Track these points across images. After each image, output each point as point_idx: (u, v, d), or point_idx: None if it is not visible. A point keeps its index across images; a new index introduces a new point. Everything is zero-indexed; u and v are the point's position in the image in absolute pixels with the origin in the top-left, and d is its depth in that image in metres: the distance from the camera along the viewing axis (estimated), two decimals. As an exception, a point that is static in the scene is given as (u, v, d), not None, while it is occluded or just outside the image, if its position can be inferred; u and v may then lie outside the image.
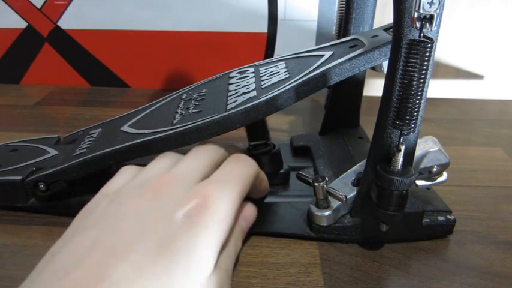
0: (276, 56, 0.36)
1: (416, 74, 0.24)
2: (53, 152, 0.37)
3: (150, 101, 0.38)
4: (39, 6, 0.62)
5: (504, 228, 0.33)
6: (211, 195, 0.23)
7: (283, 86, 0.29)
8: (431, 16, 0.23)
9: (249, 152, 0.36)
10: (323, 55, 0.31)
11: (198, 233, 0.21)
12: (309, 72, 0.29)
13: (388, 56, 0.26)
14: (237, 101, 0.30)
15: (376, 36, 0.31)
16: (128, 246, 0.20)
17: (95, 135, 0.36)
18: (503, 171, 0.42)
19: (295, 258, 0.30)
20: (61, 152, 0.37)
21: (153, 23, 0.62)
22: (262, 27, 0.61)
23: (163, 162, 0.27)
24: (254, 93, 0.30)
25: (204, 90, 0.35)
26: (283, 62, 0.34)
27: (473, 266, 0.29)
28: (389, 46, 0.27)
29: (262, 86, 0.30)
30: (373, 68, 0.32)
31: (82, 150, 0.34)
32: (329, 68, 0.29)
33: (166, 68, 0.65)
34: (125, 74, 0.66)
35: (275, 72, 0.32)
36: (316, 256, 0.30)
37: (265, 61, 0.36)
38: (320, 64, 0.30)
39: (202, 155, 0.27)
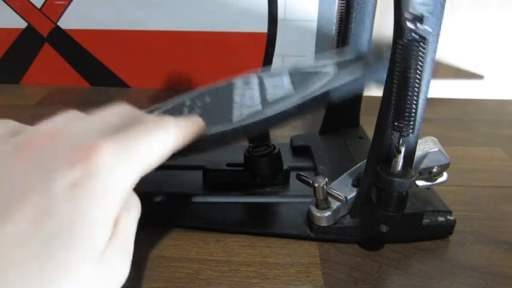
0: (278, 67, 0.36)
1: (411, 74, 0.24)
2: None
3: (150, 101, 0.38)
4: (39, 6, 0.62)
5: (504, 228, 0.33)
6: (100, 158, 0.17)
7: (289, 101, 0.29)
8: (422, 15, 0.23)
9: (249, 153, 0.36)
10: (328, 72, 0.32)
11: (82, 207, 0.17)
12: (315, 90, 0.30)
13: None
14: (241, 113, 0.30)
15: (381, 56, 0.32)
16: None
17: None
18: (503, 171, 0.42)
19: (295, 258, 0.30)
20: None
21: (153, 23, 0.62)
22: (262, 27, 0.61)
23: (60, 118, 0.21)
24: (259, 106, 0.30)
25: (208, 99, 0.35)
26: (288, 76, 0.34)
27: (473, 266, 0.29)
28: None
29: (268, 100, 0.31)
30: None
31: None
32: (335, 87, 0.29)
33: (166, 68, 0.65)
34: (124, 74, 0.66)
35: (280, 86, 0.32)
36: (316, 256, 0.30)
37: (270, 72, 0.36)
38: (326, 83, 0.30)
39: (111, 114, 0.22)
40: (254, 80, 0.35)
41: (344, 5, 0.38)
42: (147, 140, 0.20)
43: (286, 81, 0.33)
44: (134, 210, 0.20)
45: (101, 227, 0.17)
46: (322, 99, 0.29)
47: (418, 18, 0.23)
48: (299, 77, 0.33)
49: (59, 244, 0.16)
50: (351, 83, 0.29)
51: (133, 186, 0.19)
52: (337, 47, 0.40)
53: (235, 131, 0.29)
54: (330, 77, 0.31)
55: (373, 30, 0.39)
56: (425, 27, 0.23)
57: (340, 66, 0.32)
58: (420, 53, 0.23)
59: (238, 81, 0.36)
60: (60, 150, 0.18)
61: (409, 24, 0.23)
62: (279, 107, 0.29)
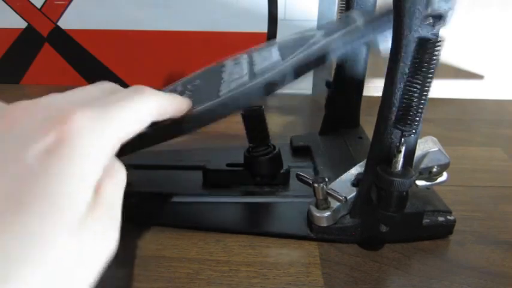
0: (270, 41, 0.36)
1: (422, 76, 0.23)
2: None
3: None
4: (39, 6, 0.62)
5: (504, 228, 0.33)
6: (74, 122, 0.17)
7: (275, 68, 0.28)
8: (442, 13, 0.22)
9: (249, 153, 0.36)
10: (314, 35, 0.31)
11: (56, 173, 0.16)
12: (300, 53, 0.29)
13: (381, 31, 0.25)
14: (229, 86, 0.29)
15: (367, 11, 0.31)
16: None
17: None
18: (503, 171, 0.42)
19: (295, 258, 0.30)
20: None
21: (153, 23, 0.62)
22: (262, 27, 0.61)
23: (41, 98, 0.21)
24: (246, 78, 0.29)
25: (197, 81, 0.35)
26: (276, 46, 0.33)
27: (473, 266, 0.29)
28: (382, 20, 0.26)
29: (255, 71, 0.30)
30: (366, 44, 0.31)
31: None
32: (320, 46, 0.28)
33: (166, 68, 0.65)
34: (124, 74, 0.66)
35: (267, 57, 0.32)
36: (316, 256, 0.30)
37: (259, 46, 0.36)
38: (311, 43, 0.29)
39: (91, 88, 0.22)
40: (243, 57, 0.35)
41: (344, 5, 0.38)
42: (126, 107, 0.20)
43: (274, 51, 0.32)
44: (118, 176, 0.20)
45: (77, 194, 0.16)
46: (306, 62, 0.28)
47: (442, 17, 0.22)
48: (286, 44, 0.32)
49: (33, 214, 0.15)
50: (335, 41, 0.28)
51: (114, 151, 0.19)
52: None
53: (220, 103, 0.28)
54: (314, 39, 0.30)
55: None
56: (447, 26, 0.22)
57: (327, 28, 0.31)
58: (436, 54, 0.23)
59: (228, 61, 0.35)
60: (37, 121, 0.17)
61: (429, 26, 0.22)
62: (264, 75, 0.28)
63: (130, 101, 0.20)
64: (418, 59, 0.24)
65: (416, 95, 0.24)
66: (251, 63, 0.32)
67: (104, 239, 0.18)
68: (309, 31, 0.32)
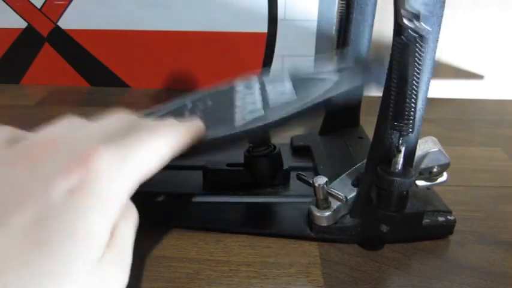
0: (279, 71, 0.37)
1: (410, 73, 0.24)
2: None
3: (150, 101, 0.38)
4: (39, 6, 0.62)
5: (504, 228, 0.33)
6: (98, 163, 0.17)
7: (292, 108, 0.29)
8: (419, 13, 0.23)
9: (249, 153, 0.36)
10: (330, 79, 0.32)
11: (79, 213, 0.16)
12: (316, 98, 0.30)
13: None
14: (244, 118, 0.30)
15: (382, 64, 0.32)
16: None
17: None
18: (503, 171, 0.42)
19: (295, 258, 0.30)
20: None
21: (153, 23, 0.62)
22: (262, 27, 0.61)
23: (58, 125, 0.21)
24: (262, 112, 0.30)
25: (209, 102, 0.35)
26: (290, 82, 0.34)
27: (473, 266, 0.29)
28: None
29: (270, 105, 0.31)
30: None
31: None
32: (337, 94, 0.29)
33: (166, 68, 0.65)
34: (124, 74, 0.66)
35: (282, 92, 0.33)
36: (316, 256, 0.30)
37: (271, 76, 0.36)
38: (327, 90, 0.30)
39: (110, 121, 0.22)
40: (256, 85, 0.35)
41: (344, 5, 0.38)
42: (145, 146, 0.20)
43: (288, 86, 0.33)
44: (131, 219, 0.20)
45: (97, 234, 0.17)
46: (323, 106, 0.30)
47: (416, 16, 0.23)
48: (300, 82, 0.33)
49: (54, 252, 0.15)
50: (351, 89, 0.30)
51: (131, 194, 0.19)
52: (337, 47, 0.40)
53: (237, 135, 0.29)
54: (331, 83, 0.31)
55: (373, 30, 0.39)
56: (423, 25, 0.23)
57: (341, 71, 0.33)
58: (418, 51, 0.23)
59: (239, 85, 0.36)
60: (58, 158, 0.17)
61: (407, 22, 0.23)
62: (281, 112, 0.29)
63: (150, 139, 0.20)
64: (407, 58, 0.24)
65: (408, 94, 0.24)
66: (264, 94, 0.33)
67: (116, 276, 0.18)
68: (321, 65, 0.34)
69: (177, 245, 0.31)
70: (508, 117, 0.56)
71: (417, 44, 0.23)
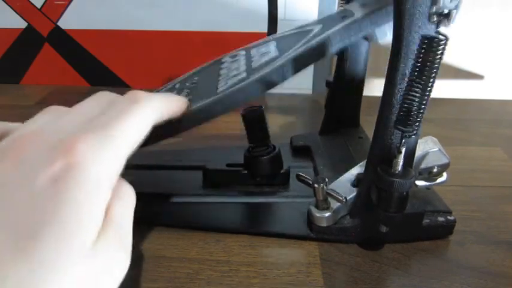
0: (268, 36, 0.35)
1: (427, 76, 0.23)
2: None
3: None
4: (39, 6, 0.62)
5: (504, 228, 0.33)
6: (80, 150, 0.17)
7: (273, 63, 0.28)
8: (449, 12, 0.22)
9: (249, 153, 0.36)
10: (312, 29, 0.30)
11: (64, 200, 0.16)
12: (298, 47, 0.28)
13: (379, 24, 0.25)
14: (227, 83, 0.29)
15: (365, 4, 0.31)
16: None
17: None
18: (503, 171, 0.42)
19: (295, 258, 0.30)
20: None
21: (153, 23, 0.62)
22: (262, 27, 0.61)
23: (41, 116, 0.21)
24: (244, 74, 0.29)
25: (196, 78, 0.34)
26: (274, 41, 0.33)
27: (473, 266, 0.29)
28: (379, 13, 0.26)
29: (252, 67, 0.30)
30: (365, 38, 0.30)
31: None
32: (318, 40, 0.28)
33: (166, 68, 0.65)
34: (124, 74, 0.66)
35: (265, 52, 0.31)
36: (316, 256, 0.30)
37: (257, 42, 0.36)
38: (309, 38, 0.29)
39: (89, 105, 0.22)
40: (240, 52, 0.34)
41: (344, 5, 0.38)
42: (124, 122, 0.20)
43: (272, 46, 0.32)
44: (127, 198, 0.20)
45: (87, 218, 0.17)
46: (305, 56, 0.28)
47: (446, 16, 0.22)
48: (284, 40, 0.32)
49: (44, 242, 0.15)
50: (333, 35, 0.28)
51: (120, 170, 0.19)
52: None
53: (218, 100, 0.28)
54: (312, 33, 0.29)
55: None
56: (452, 25, 0.22)
57: (324, 22, 0.31)
58: (439, 52, 0.23)
59: (226, 57, 0.35)
60: (42, 150, 0.18)
61: (433, 24, 0.22)
62: (262, 70, 0.28)
63: (128, 114, 0.20)
64: (421, 59, 0.23)
65: (418, 96, 0.24)
66: (249, 59, 0.32)
67: (116, 258, 0.18)
68: (308, 25, 0.32)
69: (177, 245, 0.31)
70: (508, 117, 0.56)
71: (440, 44, 0.22)
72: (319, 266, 0.29)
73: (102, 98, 0.23)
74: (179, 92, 0.33)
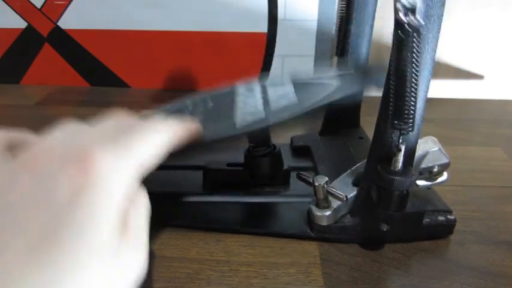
0: (282, 76, 0.37)
1: (408, 70, 0.24)
2: None
3: (150, 101, 0.38)
4: (39, 6, 0.62)
5: (504, 228, 0.33)
6: (98, 163, 0.18)
7: (292, 111, 0.30)
8: (414, 7, 0.23)
9: (249, 153, 0.36)
10: (331, 84, 0.32)
11: (82, 212, 0.17)
12: (317, 102, 0.30)
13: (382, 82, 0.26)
14: (245, 120, 0.30)
15: (383, 71, 0.32)
16: (2, 245, 0.16)
17: None
18: (503, 171, 0.42)
19: (295, 258, 0.30)
20: None
21: (153, 23, 0.62)
22: (262, 27, 0.61)
23: (58, 131, 0.22)
24: (263, 114, 0.30)
25: (210, 104, 0.35)
26: (291, 86, 0.34)
27: (473, 266, 0.29)
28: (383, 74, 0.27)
29: (271, 108, 0.31)
30: None
31: None
32: (337, 99, 0.30)
33: (166, 68, 0.65)
34: (124, 74, 0.66)
35: (283, 96, 0.33)
36: (316, 256, 0.30)
37: (273, 80, 0.37)
38: (328, 94, 0.30)
39: (107, 124, 0.23)
40: (257, 87, 0.35)
41: (344, 5, 0.38)
42: (141, 141, 0.21)
43: (289, 90, 0.33)
44: (141, 206, 0.21)
45: (105, 226, 0.18)
46: (322, 110, 0.30)
47: (411, 10, 0.22)
48: (301, 86, 0.34)
49: (67, 248, 0.16)
50: (351, 94, 0.30)
51: (136, 183, 0.20)
52: (337, 47, 0.40)
53: (237, 136, 0.29)
54: (331, 88, 0.31)
55: (374, 31, 0.39)
56: (419, 19, 0.22)
57: (341, 77, 0.33)
58: (415, 47, 0.23)
59: (240, 88, 0.36)
60: (59, 166, 0.18)
61: (402, 16, 0.23)
62: (281, 115, 0.29)
63: (146, 135, 0.22)
64: (396, 54, 0.24)
65: (406, 91, 0.24)
66: (265, 96, 0.33)
67: (133, 262, 0.19)
68: (325, 77, 0.34)
69: (177, 245, 0.31)
70: (508, 117, 0.56)
71: (414, 39, 0.23)
72: (319, 266, 0.29)
73: (122, 120, 0.24)
74: (192, 114, 0.34)
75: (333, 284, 0.28)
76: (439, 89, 0.64)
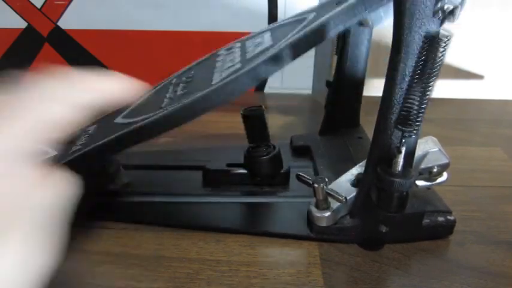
0: (263, 27, 0.35)
1: (427, 74, 0.23)
2: (52, 152, 0.37)
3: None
4: (39, 6, 0.62)
5: (504, 228, 0.33)
6: None
7: (266, 53, 0.28)
8: (454, 8, 0.22)
9: (249, 153, 0.36)
10: (306, 17, 0.30)
11: None
12: (291, 36, 0.28)
13: (374, 9, 0.25)
14: (221, 75, 0.29)
15: None
16: None
17: (90, 132, 0.36)
18: (503, 171, 0.42)
19: (295, 258, 0.30)
20: (59, 152, 0.37)
21: (153, 23, 0.62)
22: (262, 27, 0.61)
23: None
24: (238, 65, 0.29)
25: (192, 72, 0.34)
26: (269, 32, 0.33)
27: (473, 266, 0.29)
28: None
29: (247, 57, 0.29)
30: (361, 24, 0.30)
31: (77, 147, 0.34)
32: (313, 27, 0.27)
33: (166, 68, 0.64)
34: (124, 74, 0.66)
35: (260, 43, 0.31)
36: (316, 256, 0.30)
37: (252, 34, 0.36)
38: (304, 25, 0.29)
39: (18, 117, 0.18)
40: (236, 45, 0.34)
41: None
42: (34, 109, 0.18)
43: (266, 37, 0.32)
44: (53, 189, 0.18)
45: None
46: (298, 44, 0.27)
47: (450, 13, 0.22)
48: (278, 30, 0.32)
49: None
50: (327, 22, 0.27)
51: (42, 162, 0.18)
52: (337, 47, 0.40)
53: (212, 92, 0.27)
54: (306, 22, 0.29)
55: (374, 31, 0.39)
56: (456, 22, 0.22)
57: (318, 10, 0.31)
58: (443, 50, 0.23)
59: (221, 50, 0.35)
60: None
61: (440, 17, 0.22)
62: (256, 60, 0.27)
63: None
64: (423, 58, 0.23)
65: (419, 95, 0.24)
66: (243, 50, 0.31)
67: (30, 256, 0.16)
68: (302, 14, 0.32)
69: (177, 245, 0.31)
70: (508, 117, 0.56)
71: (444, 41, 0.22)
72: (319, 266, 0.29)
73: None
74: (175, 87, 0.33)
75: (333, 284, 0.28)
76: (439, 89, 0.64)
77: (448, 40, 0.22)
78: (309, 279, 0.28)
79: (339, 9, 0.27)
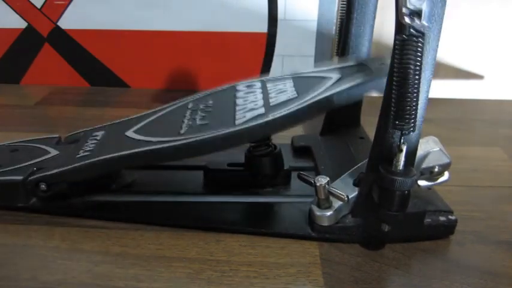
0: (282, 74, 0.37)
1: (410, 71, 0.24)
2: (54, 152, 0.37)
3: (150, 101, 0.39)
4: (39, 6, 0.62)
5: (504, 228, 0.33)
6: None
7: (292, 105, 0.29)
8: (420, 10, 0.23)
9: (250, 153, 0.36)
10: (331, 77, 0.32)
11: None
12: (318, 94, 0.30)
13: (382, 88, 0.26)
14: (245, 116, 0.30)
15: (383, 64, 0.32)
16: None
17: (98, 138, 0.36)
18: (503, 171, 0.42)
19: (296, 258, 0.30)
20: (62, 152, 0.37)
21: (153, 23, 0.62)
22: (262, 27, 0.61)
23: None
24: (262, 110, 0.30)
25: (210, 102, 0.35)
26: (291, 80, 0.34)
27: (473, 266, 0.29)
28: (383, 79, 0.27)
29: (271, 104, 0.31)
30: None
31: (86, 153, 0.34)
32: (337, 92, 0.29)
33: (166, 68, 0.65)
34: (124, 74, 0.66)
35: (283, 90, 0.32)
36: (316, 256, 0.30)
37: (272, 77, 0.37)
38: (328, 87, 0.30)
39: None
40: (256, 84, 0.35)
41: (345, 5, 0.38)
42: None
43: (289, 85, 0.33)
44: None
45: None
46: (324, 104, 0.29)
47: (417, 14, 0.23)
48: (301, 81, 0.33)
49: None
50: (352, 88, 0.29)
51: None
52: (338, 47, 0.41)
53: (237, 133, 0.29)
54: (331, 82, 0.31)
55: (374, 31, 0.39)
56: (424, 22, 0.23)
57: (342, 72, 0.33)
58: (419, 49, 0.23)
59: (240, 85, 0.36)
60: None
61: (408, 20, 0.23)
62: (281, 110, 0.29)
63: None
64: (398, 58, 0.24)
65: (408, 92, 0.24)
66: (266, 93, 0.33)
67: None
68: (325, 71, 0.34)
69: (177, 245, 0.31)
70: (508, 117, 0.56)
71: (418, 42, 0.23)
72: (320, 266, 0.29)
73: None
74: (193, 113, 0.34)
75: (333, 284, 0.28)
76: (439, 89, 0.64)
77: (411, 42, 0.23)
78: (309, 279, 0.28)
79: (364, 79, 0.30)
